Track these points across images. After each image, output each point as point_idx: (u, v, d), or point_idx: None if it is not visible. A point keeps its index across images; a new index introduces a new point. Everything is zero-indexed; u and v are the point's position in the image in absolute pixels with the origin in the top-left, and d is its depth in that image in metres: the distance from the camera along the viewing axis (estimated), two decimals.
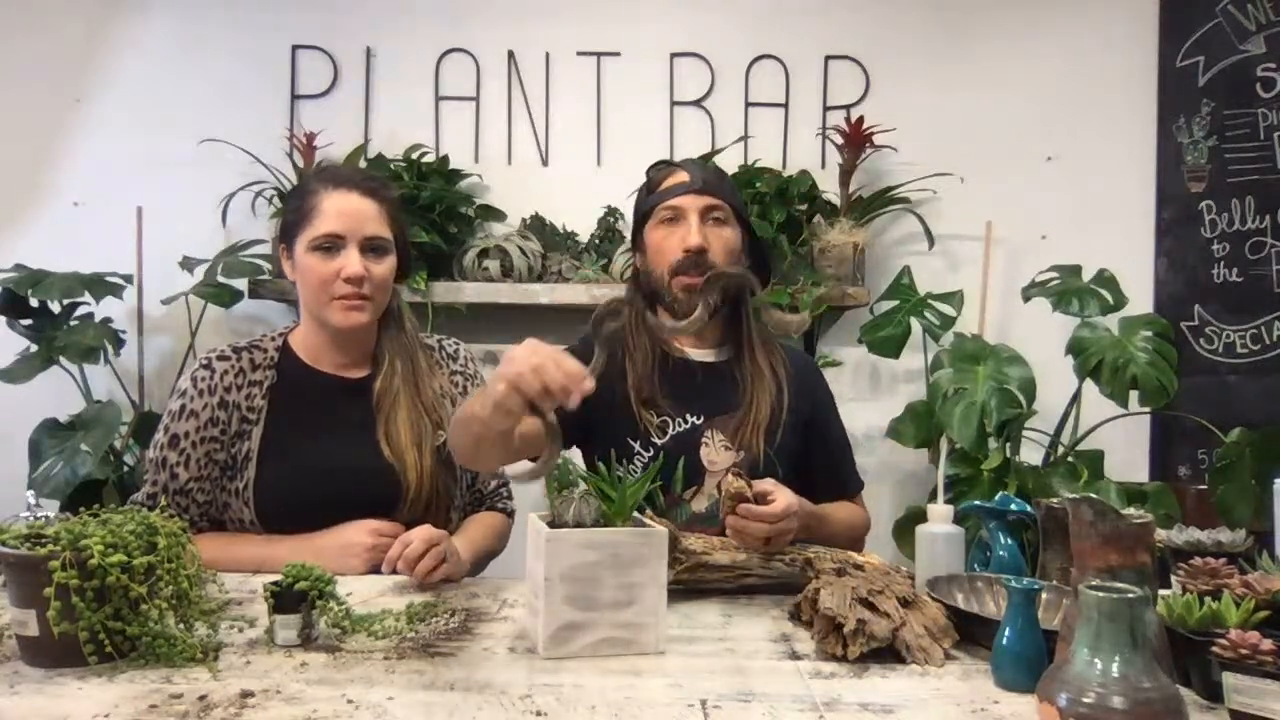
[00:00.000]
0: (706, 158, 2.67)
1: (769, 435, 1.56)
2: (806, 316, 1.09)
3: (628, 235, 2.72)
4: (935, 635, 1.08)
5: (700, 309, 1.05)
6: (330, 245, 1.47)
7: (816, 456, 1.66)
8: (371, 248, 1.48)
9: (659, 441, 1.54)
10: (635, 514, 1.15)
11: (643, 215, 1.63)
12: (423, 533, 1.34)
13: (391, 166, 2.65)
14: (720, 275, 1.14)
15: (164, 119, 2.76)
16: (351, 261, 1.46)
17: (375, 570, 1.39)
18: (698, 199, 1.55)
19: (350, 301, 1.48)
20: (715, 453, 1.56)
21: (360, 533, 1.41)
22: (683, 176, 1.58)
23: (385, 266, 1.50)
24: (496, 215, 2.79)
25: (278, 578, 1.08)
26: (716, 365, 1.61)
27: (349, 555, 1.39)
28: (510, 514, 1.71)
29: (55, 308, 2.56)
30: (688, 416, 1.56)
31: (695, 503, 1.54)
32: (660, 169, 1.64)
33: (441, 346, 1.68)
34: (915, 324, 2.57)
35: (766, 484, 1.35)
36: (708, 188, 1.57)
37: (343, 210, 1.47)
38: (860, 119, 2.66)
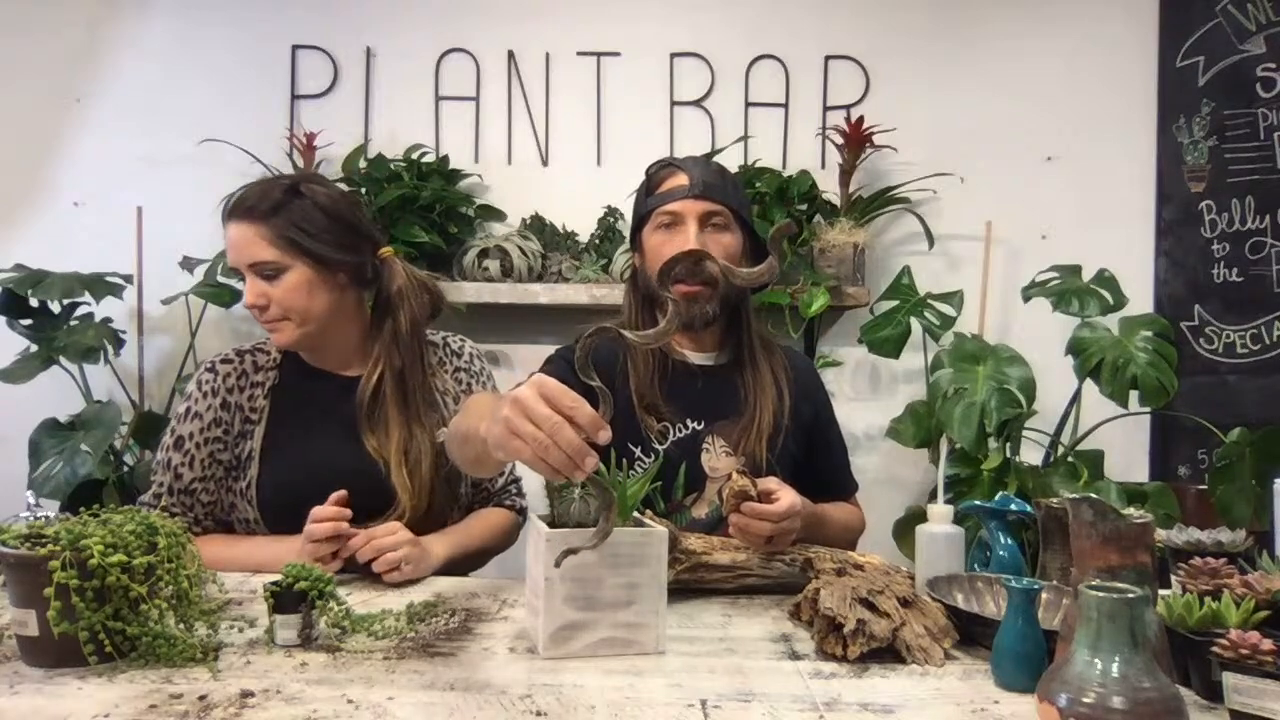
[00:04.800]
0: (707, 157, 2.67)
1: (770, 441, 1.55)
2: (772, 264, 1.05)
3: (628, 235, 2.72)
4: (935, 635, 1.08)
5: (664, 322, 1.01)
6: (242, 275, 1.50)
7: (816, 459, 1.66)
8: (261, 273, 1.48)
9: (660, 447, 1.53)
10: (635, 514, 1.15)
11: (641, 217, 1.61)
12: (387, 529, 1.36)
13: (391, 166, 2.65)
14: (669, 266, 1.09)
15: (164, 119, 2.76)
16: (247, 292, 1.48)
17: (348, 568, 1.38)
18: (696, 204, 1.52)
19: (267, 325, 1.50)
20: (716, 459, 1.55)
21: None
22: (682, 179, 1.55)
23: (283, 286, 1.47)
24: (496, 215, 2.79)
25: (278, 578, 1.08)
26: (717, 370, 1.61)
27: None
28: (520, 511, 1.70)
29: (55, 308, 2.56)
30: (688, 422, 1.55)
31: (696, 509, 1.54)
32: (660, 169, 1.60)
33: (446, 343, 1.68)
34: (915, 324, 2.57)
35: (771, 483, 1.36)
36: (707, 192, 1.53)
37: (231, 242, 1.48)
38: (860, 119, 2.66)
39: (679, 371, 1.58)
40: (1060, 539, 1.23)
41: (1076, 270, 2.57)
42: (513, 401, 0.93)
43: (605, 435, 0.93)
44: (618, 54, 2.81)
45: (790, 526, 1.33)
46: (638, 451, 1.53)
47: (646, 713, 0.89)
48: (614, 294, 2.53)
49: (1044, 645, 0.96)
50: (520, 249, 2.61)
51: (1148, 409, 2.46)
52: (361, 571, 1.36)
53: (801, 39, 2.80)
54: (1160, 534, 1.25)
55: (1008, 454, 2.43)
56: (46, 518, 1.24)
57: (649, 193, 1.60)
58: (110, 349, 2.51)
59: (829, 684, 0.98)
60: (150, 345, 2.77)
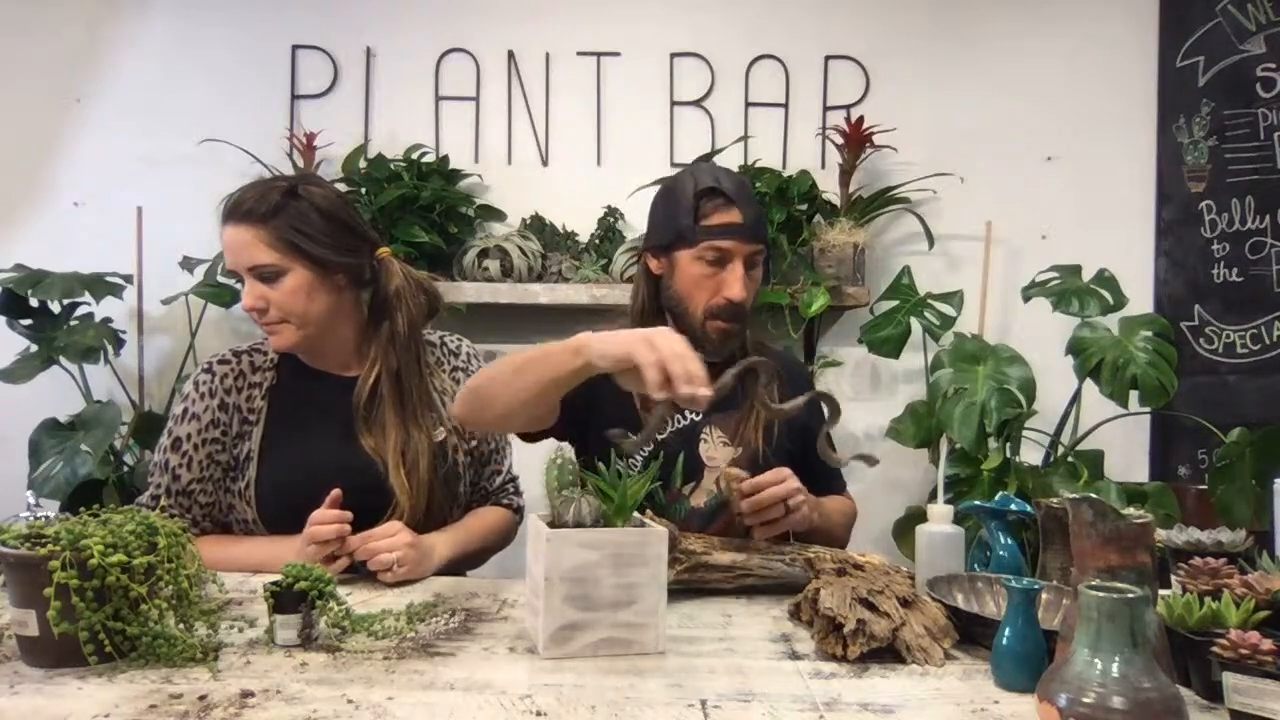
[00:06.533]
0: (706, 158, 2.67)
1: (767, 433, 1.59)
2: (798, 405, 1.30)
3: (628, 235, 2.72)
4: (935, 635, 1.08)
5: (728, 379, 1.19)
6: (240, 278, 1.49)
7: (811, 459, 1.67)
8: (260, 276, 1.47)
9: (659, 437, 1.55)
10: (635, 514, 1.15)
11: (680, 237, 1.56)
12: (389, 530, 1.38)
13: (391, 166, 2.65)
14: (754, 365, 1.24)
15: (164, 119, 2.76)
16: (246, 295, 1.48)
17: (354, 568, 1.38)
18: (746, 246, 1.53)
19: (267, 328, 1.50)
20: (714, 449, 1.58)
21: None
22: (735, 216, 1.52)
23: (283, 289, 1.46)
24: (496, 215, 2.79)
25: (278, 578, 1.08)
26: (715, 365, 1.62)
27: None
28: (518, 510, 1.71)
29: (55, 308, 2.56)
30: (687, 413, 1.57)
31: (694, 498, 1.56)
32: (709, 195, 1.55)
33: (443, 343, 1.68)
34: (915, 324, 2.57)
35: (783, 472, 1.44)
36: (756, 233, 1.55)
37: (229, 245, 1.47)
38: (860, 119, 2.66)
39: None
40: (1060, 539, 1.23)
41: (1076, 270, 2.57)
42: (659, 330, 1.15)
43: (703, 394, 1.10)
44: (618, 54, 2.81)
45: (794, 486, 1.41)
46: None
47: (646, 713, 0.89)
48: (614, 294, 2.53)
49: (1044, 645, 0.96)
50: (520, 249, 2.61)
51: (1148, 409, 2.46)
52: (362, 571, 1.36)
53: (801, 39, 2.80)
54: (1160, 534, 1.25)
55: (1008, 454, 2.43)
56: (46, 518, 1.24)
57: (695, 216, 1.54)
58: (110, 349, 2.51)
59: (829, 684, 0.98)
60: (150, 345, 2.77)
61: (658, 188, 1.67)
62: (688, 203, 1.55)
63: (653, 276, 1.63)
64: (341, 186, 2.60)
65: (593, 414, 1.49)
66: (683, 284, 1.57)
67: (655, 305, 1.62)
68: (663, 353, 1.11)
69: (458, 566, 1.52)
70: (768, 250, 1.62)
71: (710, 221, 1.54)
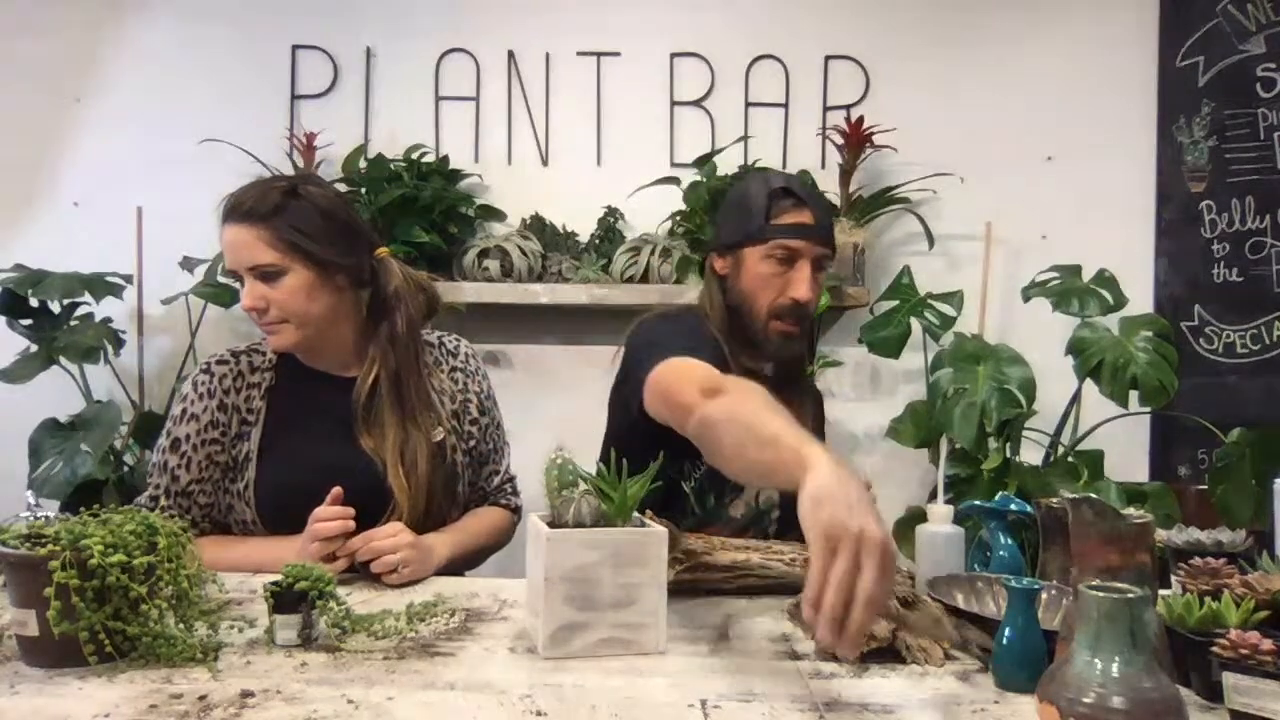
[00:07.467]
0: (706, 158, 2.67)
1: None
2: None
3: (628, 235, 2.73)
4: (935, 635, 1.08)
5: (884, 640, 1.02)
6: (240, 278, 1.49)
7: None
8: (260, 276, 1.46)
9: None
10: (635, 514, 1.15)
11: (749, 236, 1.57)
12: (388, 531, 1.37)
13: (391, 167, 2.65)
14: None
15: (164, 119, 2.76)
16: (245, 294, 1.47)
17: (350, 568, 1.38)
18: (816, 248, 1.55)
19: (266, 328, 1.50)
20: None
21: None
22: (806, 217, 1.55)
23: (283, 289, 1.46)
24: (496, 215, 2.79)
25: (278, 578, 1.08)
26: (766, 379, 1.64)
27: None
28: (516, 510, 1.71)
29: (55, 308, 2.56)
30: None
31: (734, 508, 1.60)
32: (781, 196, 1.56)
33: (441, 343, 1.68)
34: (915, 324, 2.57)
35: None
36: (826, 235, 1.57)
37: (229, 244, 1.47)
38: (860, 119, 2.66)
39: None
40: (1060, 539, 1.22)
41: (1076, 270, 2.57)
42: (871, 531, 0.85)
43: (844, 654, 0.91)
44: (618, 54, 2.81)
45: None
46: None
47: (646, 713, 0.89)
48: (614, 294, 2.54)
49: (1044, 645, 0.96)
50: (520, 249, 2.60)
51: (1148, 409, 2.46)
52: (362, 571, 1.36)
53: (801, 39, 2.80)
54: (1160, 534, 1.25)
55: (1008, 454, 2.43)
56: (46, 518, 1.24)
57: (767, 215, 1.56)
58: (110, 349, 2.51)
59: (829, 684, 0.98)
60: (150, 345, 2.77)
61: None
62: (760, 202, 1.56)
63: (718, 277, 1.63)
64: (341, 186, 2.60)
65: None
66: (749, 282, 1.57)
67: (730, 313, 1.62)
68: (844, 565, 0.84)
69: (456, 567, 1.52)
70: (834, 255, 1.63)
71: (782, 220, 1.55)
